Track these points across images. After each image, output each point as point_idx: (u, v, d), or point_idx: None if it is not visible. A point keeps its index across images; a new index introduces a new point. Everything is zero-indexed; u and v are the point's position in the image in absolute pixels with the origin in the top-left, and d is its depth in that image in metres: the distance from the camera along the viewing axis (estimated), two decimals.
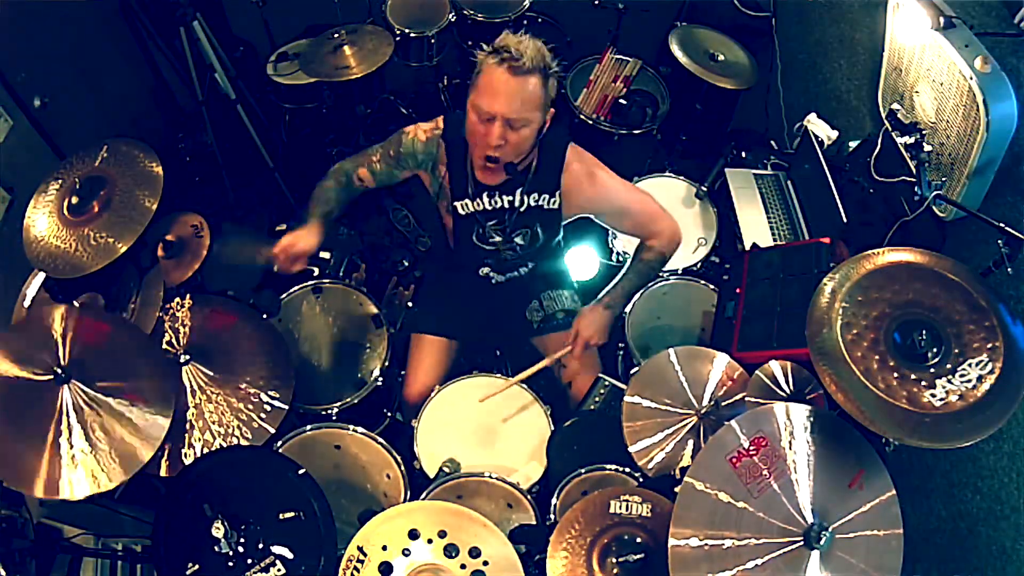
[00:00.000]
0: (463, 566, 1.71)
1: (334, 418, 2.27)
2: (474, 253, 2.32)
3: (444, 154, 2.14)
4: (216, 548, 1.67)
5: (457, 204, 2.19)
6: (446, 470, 2.10)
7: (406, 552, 1.71)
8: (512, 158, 2.02)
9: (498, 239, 2.27)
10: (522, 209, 2.20)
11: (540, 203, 2.20)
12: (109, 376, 1.82)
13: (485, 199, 2.18)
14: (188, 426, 1.96)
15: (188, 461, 1.92)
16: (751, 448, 1.67)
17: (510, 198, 2.18)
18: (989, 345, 1.65)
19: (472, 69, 1.98)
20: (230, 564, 1.68)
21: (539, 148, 2.11)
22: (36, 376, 1.80)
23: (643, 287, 2.36)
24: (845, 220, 2.41)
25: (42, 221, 2.19)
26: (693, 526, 1.61)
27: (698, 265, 2.73)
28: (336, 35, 3.15)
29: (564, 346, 2.29)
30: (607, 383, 2.34)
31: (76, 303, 2.15)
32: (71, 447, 1.73)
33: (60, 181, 2.24)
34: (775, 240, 2.73)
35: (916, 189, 2.19)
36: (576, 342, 2.26)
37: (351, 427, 2.14)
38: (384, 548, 1.71)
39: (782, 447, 1.68)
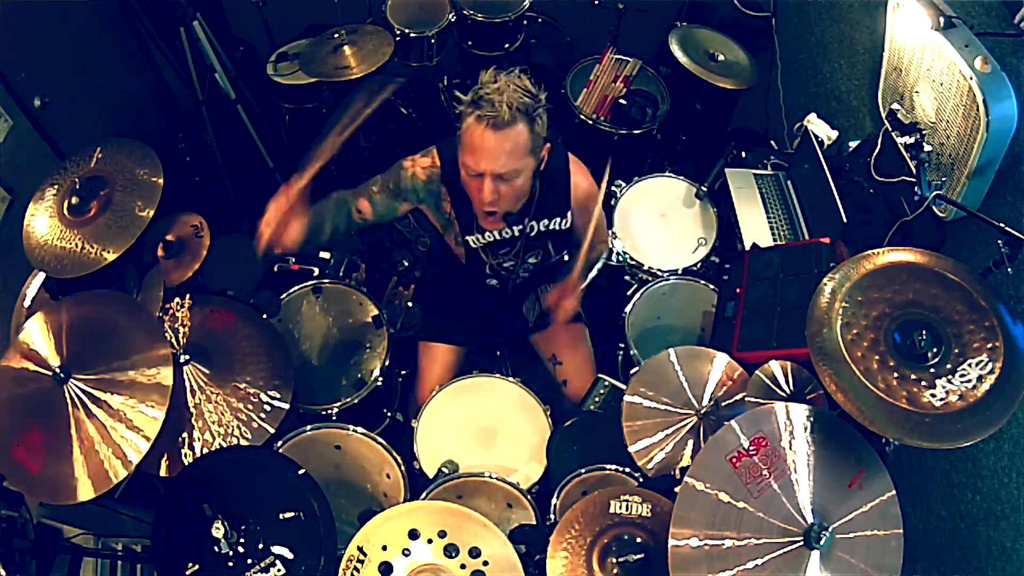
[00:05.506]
0: (463, 566, 1.71)
1: (334, 418, 2.27)
2: (485, 275, 2.33)
3: (447, 193, 2.10)
4: (216, 548, 1.67)
5: (468, 239, 2.18)
6: (445, 471, 2.10)
7: (406, 552, 1.71)
8: (510, 208, 1.99)
9: (510, 263, 2.27)
10: (533, 235, 2.20)
11: (552, 226, 2.20)
12: (107, 360, 1.83)
13: (495, 232, 2.17)
14: (188, 426, 1.96)
15: (188, 461, 1.92)
16: (751, 448, 1.67)
17: (520, 227, 2.17)
18: (989, 345, 1.65)
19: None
20: (230, 564, 1.67)
21: (540, 175, 2.08)
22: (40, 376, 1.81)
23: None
24: (845, 220, 2.41)
25: (42, 224, 2.19)
26: (693, 526, 1.61)
27: (698, 265, 2.72)
28: (336, 35, 3.15)
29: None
30: (607, 383, 2.34)
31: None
32: (90, 440, 1.74)
33: (57, 186, 2.24)
34: (775, 240, 2.73)
35: (916, 189, 2.19)
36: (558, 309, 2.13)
37: (351, 427, 2.14)
38: (384, 548, 1.71)
39: (782, 447, 1.68)
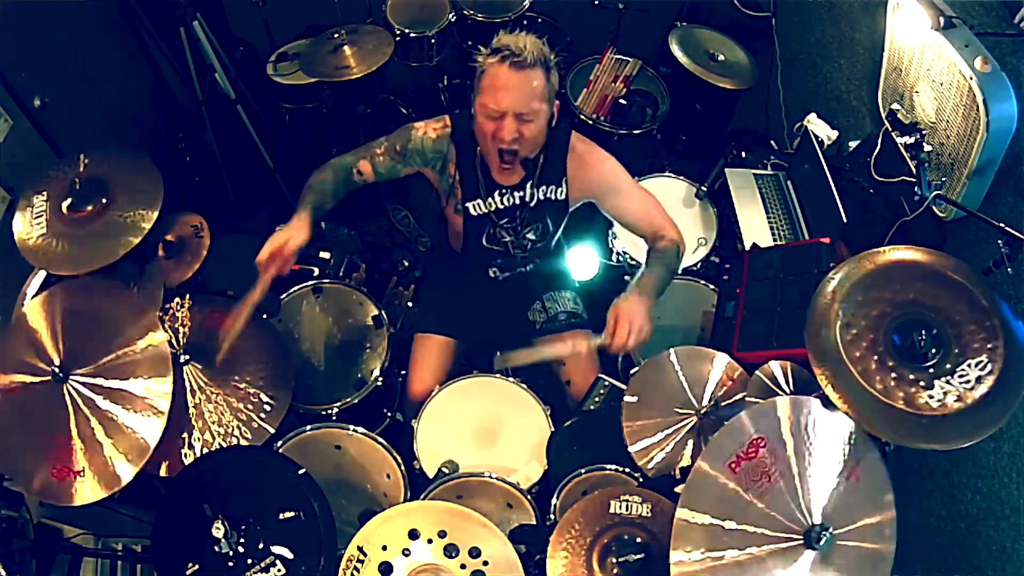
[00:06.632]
0: (463, 566, 1.71)
1: (334, 418, 2.27)
2: (483, 255, 2.32)
3: (454, 154, 2.14)
4: (216, 548, 1.68)
5: (469, 205, 2.19)
6: (445, 471, 2.10)
7: (406, 552, 1.71)
8: (528, 152, 2.04)
9: (509, 238, 2.27)
10: (532, 204, 2.21)
11: (549, 195, 2.20)
12: (102, 346, 1.85)
13: (497, 198, 2.18)
14: (188, 426, 1.96)
15: (188, 461, 1.92)
16: (750, 450, 1.67)
17: (521, 193, 2.18)
18: (989, 346, 1.65)
19: (472, 69, 1.99)
20: (230, 564, 1.68)
21: (545, 142, 2.11)
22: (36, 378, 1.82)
23: (670, 281, 2.15)
24: (845, 220, 2.41)
25: (31, 226, 2.18)
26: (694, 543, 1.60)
27: (698, 265, 2.73)
28: (336, 35, 3.15)
29: (600, 336, 2.02)
30: (607, 383, 2.34)
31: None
32: (93, 441, 1.76)
33: (45, 194, 2.23)
34: (775, 240, 2.73)
35: (916, 189, 2.19)
36: (618, 329, 1.95)
37: (351, 427, 2.14)
38: (384, 548, 1.71)
39: (783, 444, 1.67)
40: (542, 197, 2.20)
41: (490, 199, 2.19)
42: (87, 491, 1.73)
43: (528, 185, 2.17)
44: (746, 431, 1.68)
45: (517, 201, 2.20)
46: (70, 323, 1.90)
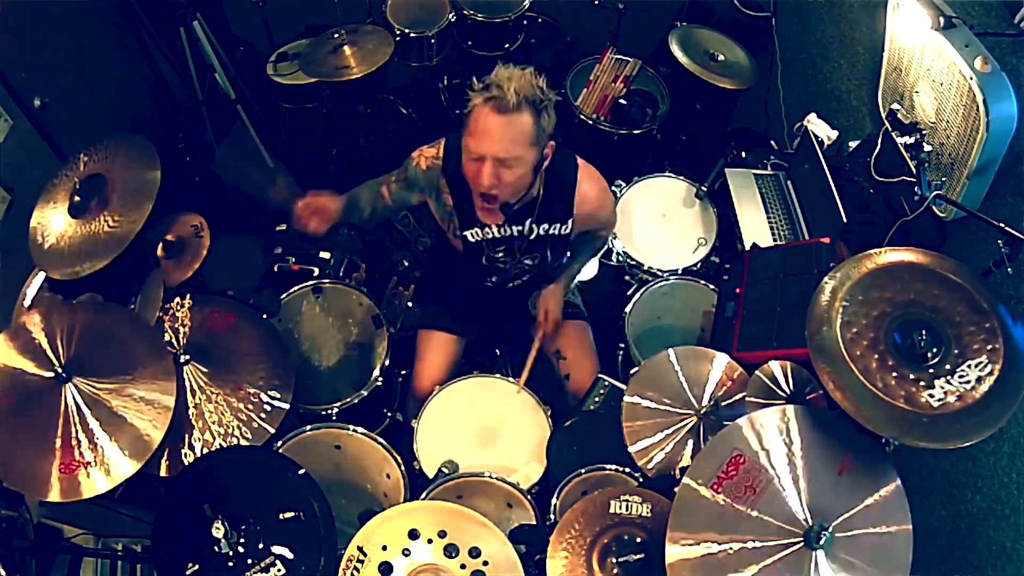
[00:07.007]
0: (463, 566, 1.71)
1: (334, 418, 2.27)
2: (482, 270, 2.33)
3: (447, 185, 2.10)
4: (216, 548, 1.68)
5: (467, 233, 2.18)
6: (445, 471, 2.10)
7: (406, 552, 1.71)
8: (508, 198, 1.98)
9: (506, 259, 2.27)
10: (532, 237, 2.20)
11: (552, 231, 2.20)
12: (110, 368, 1.84)
13: (494, 228, 2.17)
14: (188, 426, 1.96)
15: (188, 461, 1.92)
16: (730, 469, 1.67)
17: (520, 227, 2.17)
18: (989, 347, 1.65)
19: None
20: (230, 564, 1.68)
21: (545, 177, 2.08)
22: (38, 374, 1.82)
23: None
24: (845, 220, 2.41)
25: (54, 225, 2.19)
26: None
27: (698, 265, 2.73)
28: (336, 35, 3.15)
29: (540, 330, 2.44)
30: (607, 383, 2.34)
31: (75, 302, 2.15)
32: (83, 444, 1.75)
33: (51, 201, 2.24)
34: (775, 240, 2.73)
35: (916, 189, 2.19)
36: (547, 321, 2.42)
37: (351, 427, 2.14)
38: (384, 548, 1.71)
39: (762, 456, 1.67)
40: (543, 233, 2.20)
41: (487, 228, 2.17)
42: (97, 482, 1.73)
43: (527, 221, 2.15)
44: (724, 449, 1.69)
45: (515, 233, 2.19)
46: (85, 338, 1.90)
